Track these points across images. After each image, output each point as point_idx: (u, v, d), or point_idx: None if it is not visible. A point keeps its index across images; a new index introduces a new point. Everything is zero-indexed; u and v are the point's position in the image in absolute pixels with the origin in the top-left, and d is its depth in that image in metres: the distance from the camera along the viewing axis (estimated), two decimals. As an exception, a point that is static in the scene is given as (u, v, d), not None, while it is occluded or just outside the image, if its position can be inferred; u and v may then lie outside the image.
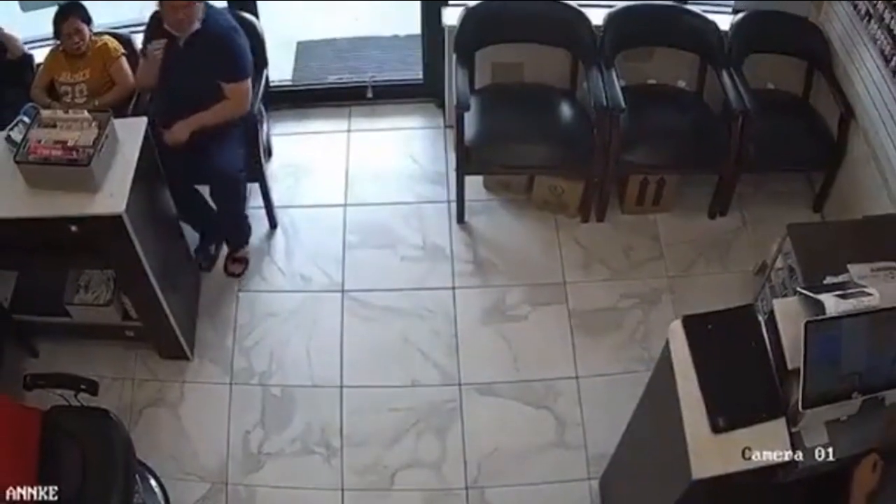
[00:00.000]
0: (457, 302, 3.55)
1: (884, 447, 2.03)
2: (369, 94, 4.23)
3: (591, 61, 3.62)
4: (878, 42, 3.22)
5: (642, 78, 3.82)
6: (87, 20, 3.32)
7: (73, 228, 2.74)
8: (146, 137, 2.92)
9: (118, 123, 2.84)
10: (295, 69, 4.49)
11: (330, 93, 4.30)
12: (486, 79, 3.81)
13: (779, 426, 2.04)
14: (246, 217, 3.59)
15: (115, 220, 2.71)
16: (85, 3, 3.34)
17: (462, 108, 3.44)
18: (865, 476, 2.01)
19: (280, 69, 4.28)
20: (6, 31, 3.40)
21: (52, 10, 3.30)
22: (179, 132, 3.19)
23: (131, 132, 2.88)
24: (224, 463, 3.12)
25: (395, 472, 3.11)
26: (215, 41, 3.14)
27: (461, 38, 3.63)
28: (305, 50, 4.61)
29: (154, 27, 3.18)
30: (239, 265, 3.65)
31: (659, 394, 2.29)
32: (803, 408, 1.97)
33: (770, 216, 3.67)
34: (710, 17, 3.69)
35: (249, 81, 3.27)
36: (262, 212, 3.72)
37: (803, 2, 3.69)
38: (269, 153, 3.94)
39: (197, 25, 3.10)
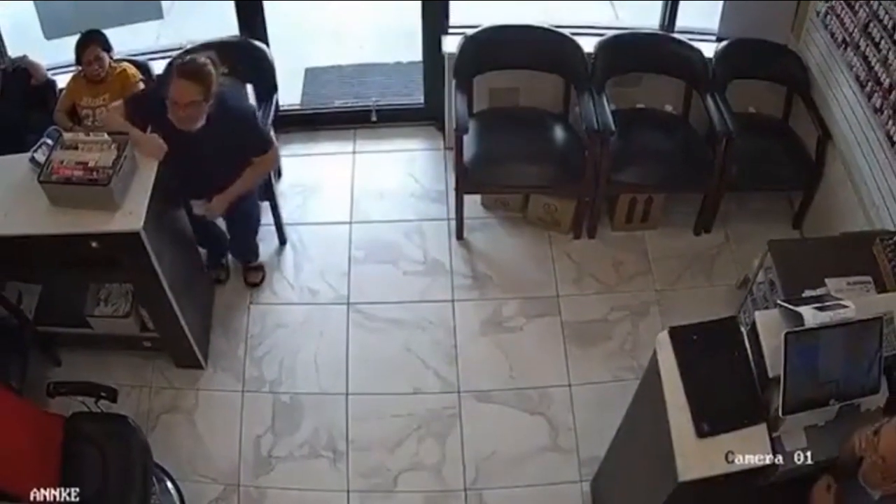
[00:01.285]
0: (456, 314, 3.61)
1: (838, 467, 2.08)
2: (373, 118, 4.30)
3: (583, 87, 3.70)
4: (854, 68, 3.31)
5: (631, 102, 3.90)
6: (107, 48, 3.35)
7: (94, 244, 2.81)
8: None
9: (136, 145, 2.89)
10: (303, 94, 4.53)
11: (336, 116, 4.36)
12: (483, 103, 3.88)
13: (760, 431, 2.10)
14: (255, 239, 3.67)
15: (134, 236, 2.77)
16: (105, 31, 3.38)
17: (461, 130, 3.52)
18: (821, 498, 2.08)
19: (289, 94, 4.32)
20: (31, 58, 3.48)
21: (74, 39, 3.34)
22: (218, 207, 3.19)
23: (148, 153, 2.93)
24: (236, 466, 3.18)
25: (397, 475, 3.18)
26: (238, 124, 3.04)
27: (460, 65, 3.71)
28: (313, 76, 4.64)
29: (156, 109, 2.90)
30: (257, 273, 3.71)
31: (647, 401, 2.35)
32: (783, 414, 2.05)
33: (752, 233, 3.75)
34: (696, 44, 3.76)
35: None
36: (273, 228, 3.78)
37: (783, 31, 3.78)
38: (279, 173, 4.00)
39: (202, 122, 2.92)
